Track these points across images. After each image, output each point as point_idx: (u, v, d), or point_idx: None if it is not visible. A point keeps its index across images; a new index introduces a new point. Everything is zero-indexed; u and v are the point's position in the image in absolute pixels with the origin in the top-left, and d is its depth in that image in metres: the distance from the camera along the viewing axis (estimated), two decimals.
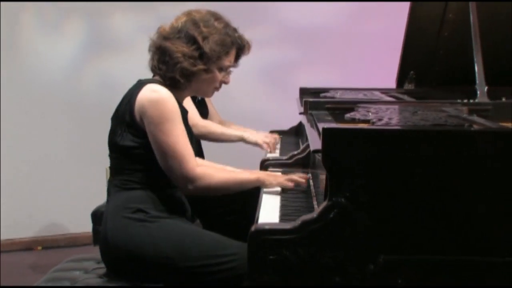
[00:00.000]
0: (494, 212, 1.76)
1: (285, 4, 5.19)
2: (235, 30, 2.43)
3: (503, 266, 1.77)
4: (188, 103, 3.22)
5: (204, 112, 3.47)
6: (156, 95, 2.27)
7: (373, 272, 1.76)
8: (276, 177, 2.49)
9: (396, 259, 1.76)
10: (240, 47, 2.45)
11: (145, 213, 2.30)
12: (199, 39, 2.32)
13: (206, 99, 3.57)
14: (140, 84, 2.35)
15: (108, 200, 2.42)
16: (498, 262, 1.77)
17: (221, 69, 2.42)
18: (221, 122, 3.67)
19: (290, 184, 2.44)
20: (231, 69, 2.49)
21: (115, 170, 2.41)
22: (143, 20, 4.85)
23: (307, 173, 2.73)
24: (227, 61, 2.42)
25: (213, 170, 2.40)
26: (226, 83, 2.48)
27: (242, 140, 3.43)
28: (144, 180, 2.33)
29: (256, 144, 3.43)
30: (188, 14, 2.40)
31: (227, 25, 2.41)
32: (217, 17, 2.41)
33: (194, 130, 3.19)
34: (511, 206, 1.76)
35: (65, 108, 4.86)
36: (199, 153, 3.32)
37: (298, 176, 2.48)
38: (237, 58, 2.49)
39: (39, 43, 4.84)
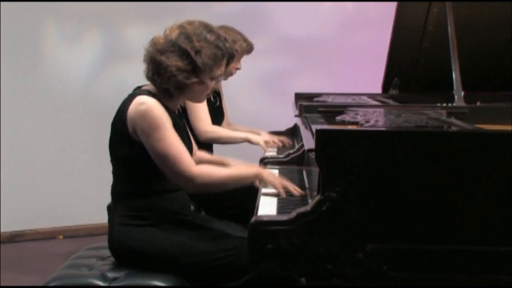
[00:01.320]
0: (469, 204, 1.77)
1: (282, 18, 5.21)
2: (225, 40, 2.33)
3: (478, 254, 1.77)
4: (201, 110, 3.20)
5: (220, 118, 3.45)
6: (143, 107, 2.17)
7: (361, 259, 1.76)
8: (274, 177, 2.37)
9: (382, 248, 1.76)
10: (230, 57, 2.36)
11: (147, 218, 2.26)
12: (192, 53, 2.21)
13: (223, 106, 3.55)
14: (133, 95, 2.27)
15: (113, 206, 2.37)
16: (472, 250, 1.77)
17: (212, 79, 2.32)
18: (229, 125, 3.66)
19: (282, 192, 2.28)
20: (223, 76, 2.46)
21: (115, 176, 2.35)
22: (153, 32, 4.82)
23: (301, 171, 2.72)
24: (218, 71, 2.32)
25: (210, 168, 2.30)
26: (217, 89, 2.43)
27: (247, 141, 3.41)
28: (142, 189, 2.27)
29: (258, 144, 3.43)
30: (181, 26, 2.29)
31: (218, 37, 2.29)
32: (209, 29, 2.30)
33: (204, 136, 3.19)
34: (485, 199, 1.76)
35: (84, 111, 4.88)
36: (208, 150, 3.29)
37: (293, 188, 2.32)
38: (227, 65, 2.40)
39: (60, 53, 4.84)
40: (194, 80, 2.25)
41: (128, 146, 2.23)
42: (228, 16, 4.82)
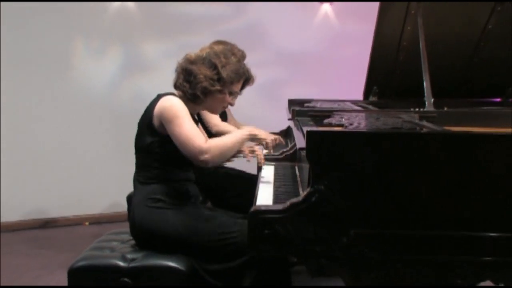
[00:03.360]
0: (437, 194, 1.76)
1: (278, 35, 5.22)
2: (245, 64, 2.45)
3: (444, 238, 1.76)
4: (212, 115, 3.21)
5: (223, 119, 3.47)
6: (169, 102, 2.29)
7: (345, 243, 1.75)
8: (263, 132, 2.56)
9: (363, 233, 1.76)
10: (247, 79, 2.47)
11: (163, 202, 2.29)
12: (219, 66, 2.34)
13: (227, 110, 3.55)
14: (158, 97, 2.36)
15: (134, 192, 2.41)
16: (439, 235, 1.76)
17: (230, 93, 2.42)
18: (236, 124, 3.67)
19: (270, 144, 2.57)
20: (237, 95, 2.48)
21: (138, 167, 2.40)
22: (166, 47, 4.87)
23: (294, 166, 2.72)
24: (236, 87, 2.43)
25: (216, 140, 2.35)
26: (232, 104, 2.49)
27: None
28: (160, 176, 2.32)
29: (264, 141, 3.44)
30: (211, 47, 2.41)
31: (239, 60, 2.41)
32: (233, 52, 2.41)
33: (216, 128, 3.23)
34: (451, 190, 1.75)
35: (106, 114, 4.89)
36: None
37: (278, 139, 2.63)
38: (242, 87, 2.50)
39: (87, 65, 4.85)
40: (218, 88, 2.35)
41: (152, 136, 2.31)
42: (231, 33, 4.82)
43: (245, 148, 2.72)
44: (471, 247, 1.76)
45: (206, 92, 2.35)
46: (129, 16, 4.90)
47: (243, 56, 2.46)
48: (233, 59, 2.38)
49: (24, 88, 4.62)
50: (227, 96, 2.41)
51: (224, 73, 2.34)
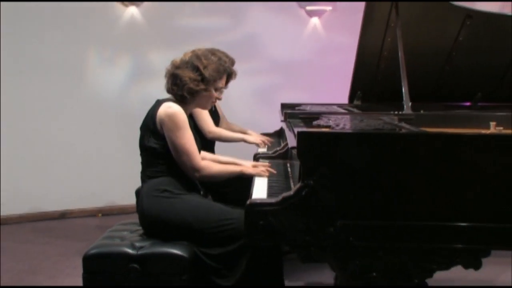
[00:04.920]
0: (414, 188, 1.75)
1: (271, 45, 5.21)
2: (225, 61, 2.40)
3: (420, 228, 1.75)
4: (205, 114, 3.21)
5: (216, 119, 3.45)
6: (171, 110, 2.27)
7: (332, 233, 1.75)
8: (254, 169, 2.45)
9: (349, 224, 1.75)
10: (229, 74, 2.43)
11: (169, 192, 2.28)
12: (201, 67, 2.32)
13: (218, 110, 3.54)
14: (159, 103, 2.35)
15: (142, 185, 2.39)
16: (416, 225, 1.75)
17: (216, 89, 2.40)
18: (228, 124, 3.65)
19: (264, 175, 2.42)
20: (223, 89, 2.47)
21: (145, 164, 2.38)
22: (171, 56, 4.79)
23: (286, 164, 2.71)
24: (220, 83, 2.40)
25: (212, 163, 2.40)
26: (219, 99, 2.47)
27: (243, 141, 3.42)
28: (166, 170, 2.31)
29: (253, 143, 3.43)
30: (193, 51, 2.39)
31: (220, 58, 2.38)
32: (213, 52, 2.39)
33: (210, 135, 3.22)
34: (427, 184, 1.75)
35: (116, 117, 4.87)
36: (211, 149, 3.29)
37: (268, 170, 2.45)
38: (227, 81, 2.46)
39: (99, 72, 4.84)
40: (202, 87, 2.33)
41: (156, 137, 2.29)
42: (230, 44, 4.81)
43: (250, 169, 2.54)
44: (445, 236, 1.75)
45: (193, 92, 2.33)
46: (138, 28, 4.89)
47: (232, 62, 2.43)
48: (213, 58, 2.35)
49: (45, 93, 4.62)
50: (213, 92, 2.39)
51: (206, 73, 2.32)
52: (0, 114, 4.48)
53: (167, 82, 2.37)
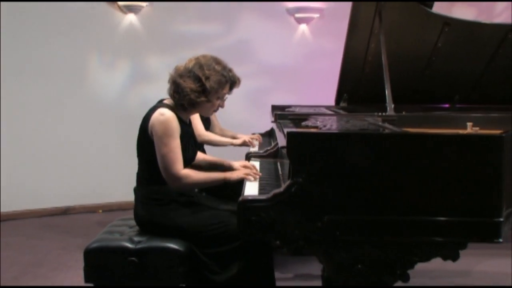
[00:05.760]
0: (399, 184, 1.75)
1: (263, 50, 5.21)
2: (230, 70, 2.27)
3: (407, 223, 1.75)
4: (196, 119, 3.17)
5: (207, 124, 3.44)
6: (162, 117, 2.14)
7: (320, 227, 1.74)
8: (237, 174, 2.25)
9: (335, 219, 1.74)
10: (232, 82, 2.28)
11: (161, 200, 2.22)
12: (203, 79, 2.17)
13: (211, 117, 3.52)
14: (156, 106, 2.24)
15: (137, 188, 2.31)
16: (404, 220, 1.75)
17: (218, 98, 2.27)
18: (221, 130, 3.63)
19: (249, 178, 2.23)
20: (226, 96, 2.33)
21: (139, 165, 2.30)
22: (168, 61, 4.81)
23: (276, 162, 2.70)
24: (223, 93, 2.27)
25: (193, 172, 2.20)
26: (222, 107, 2.34)
27: (231, 144, 3.42)
28: (158, 176, 2.18)
29: (242, 145, 3.42)
30: (197, 58, 2.24)
31: (224, 67, 2.23)
32: (217, 61, 2.23)
33: (200, 139, 3.15)
34: (411, 181, 1.75)
35: (116, 118, 4.85)
36: (201, 151, 3.27)
37: (254, 173, 2.28)
38: (230, 88, 2.31)
39: (99, 76, 4.83)
40: (203, 99, 2.20)
41: (148, 143, 2.19)
42: (223, 49, 4.86)
43: (239, 168, 2.41)
44: (426, 230, 1.75)
45: (193, 103, 2.20)
46: (136, 34, 4.89)
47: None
48: (216, 68, 2.20)
49: (49, 95, 4.62)
50: (215, 101, 2.26)
51: (208, 85, 2.17)
52: (6, 116, 4.47)
53: (170, 88, 2.24)
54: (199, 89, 2.18)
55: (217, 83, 2.20)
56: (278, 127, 2.56)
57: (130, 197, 2.46)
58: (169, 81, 2.25)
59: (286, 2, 5.29)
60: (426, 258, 1.79)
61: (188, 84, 2.18)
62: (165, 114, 2.15)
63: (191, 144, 2.31)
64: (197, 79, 2.18)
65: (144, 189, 2.26)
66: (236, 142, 3.43)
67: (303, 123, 2.29)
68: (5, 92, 4.45)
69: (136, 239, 2.19)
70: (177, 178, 2.14)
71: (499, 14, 5.36)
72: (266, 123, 3.61)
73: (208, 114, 2.44)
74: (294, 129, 2.17)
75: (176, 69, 2.24)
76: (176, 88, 2.21)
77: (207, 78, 2.18)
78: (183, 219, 2.19)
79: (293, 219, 1.74)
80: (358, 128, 2.04)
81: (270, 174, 2.49)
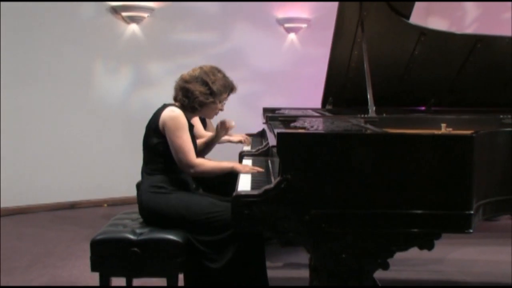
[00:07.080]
0: (380, 181, 1.74)
1: (255, 56, 5.21)
2: (228, 78, 2.40)
3: (387, 215, 1.75)
4: (196, 121, 3.18)
5: (203, 125, 3.43)
6: (173, 114, 2.24)
7: (307, 220, 1.73)
8: (244, 167, 2.38)
9: (322, 212, 1.74)
10: (232, 89, 2.42)
11: (165, 188, 2.25)
12: (210, 82, 2.30)
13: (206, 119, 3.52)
14: (164, 106, 2.32)
15: (142, 181, 2.36)
16: (383, 213, 1.74)
17: (220, 101, 2.39)
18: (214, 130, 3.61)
19: (254, 171, 2.34)
20: (225, 101, 2.45)
21: (145, 161, 2.35)
22: (168, 67, 4.85)
23: (267, 160, 2.69)
24: (224, 97, 2.39)
25: (206, 160, 2.35)
26: (221, 110, 2.46)
27: (229, 141, 3.40)
28: (163, 168, 2.27)
29: (238, 142, 3.41)
30: (200, 68, 2.36)
31: (224, 75, 2.38)
32: (218, 70, 2.38)
33: (199, 139, 3.14)
34: (391, 177, 1.74)
35: (119, 120, 4.83)
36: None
37: (257, 170, 2.37)
38: (228, 94, 2.44)
39: (104, 81, 4.81)
40: (211, 100, 2.32)
41: (158, 138, 2.25)
42: (218, 56, 4.88)
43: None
44: (403, 222, 1.75)
45: (203, 105, 2.32)
46: (138, 43, 4.87)
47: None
48: (219, 75, 2.35)
49: (57, 98, 4.60)
50: (218, 104, 2.39)
51: (215, 87, 2.31)
52: (23, 119, 4.47)
53: (177, 94, 2.34)
54: (208, 91, 2.31)
55: (222, 86, 2.35)
56: (269, 128, 2.56)
57: (133, 192, 2.45)
58: (175, 88, 2.35)
59: (276, 13, 5.29)
60: (404, 248, 1.78)
61: (197, 88, 2.30)
62: (175, 111, 2.25)
63: (193, 141, 2.36)
64: (205, 83, 2.31)
65: (149, 179, 2.29)
66: (234, 139, 3.42)
67: (292, 124, 2.28)
68: (22, 97, 4.46)
69: (138, 231, 2.18)
70: (193, 166, 2.23)
71: (469, 25, 5.40)
72: (258, 124, 3.60)
73: (211, 117, 2.51)
74: (283, 130, 2.16)
75: (182, 78, 2.35)
76: (185, 93, 2.31)
77: (213, 82, 2.32)
78: (183, 207, 2.20)
79: (282, 212, 1.73)
80: (342, 128, 2.04)
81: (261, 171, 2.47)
